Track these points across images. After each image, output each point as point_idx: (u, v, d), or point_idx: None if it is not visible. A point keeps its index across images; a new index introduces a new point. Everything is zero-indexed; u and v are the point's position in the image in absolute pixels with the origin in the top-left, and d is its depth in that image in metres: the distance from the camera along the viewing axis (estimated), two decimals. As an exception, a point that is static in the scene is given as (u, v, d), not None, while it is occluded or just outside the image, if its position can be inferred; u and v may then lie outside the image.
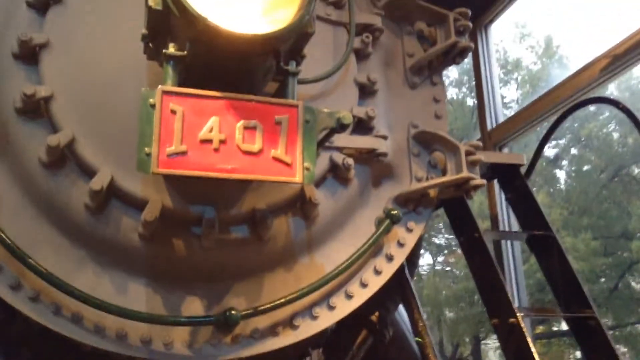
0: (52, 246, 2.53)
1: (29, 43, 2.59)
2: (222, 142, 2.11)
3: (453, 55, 3.24)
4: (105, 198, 2.52)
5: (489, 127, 7.02)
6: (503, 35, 22.14)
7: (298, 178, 2.15)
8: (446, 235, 23.01)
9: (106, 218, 2.54)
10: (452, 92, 22.85)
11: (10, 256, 2.43)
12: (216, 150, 2.10)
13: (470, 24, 3.24)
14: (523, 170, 3.68)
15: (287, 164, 2.14)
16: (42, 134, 2.54)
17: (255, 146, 2.13)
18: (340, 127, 2.28)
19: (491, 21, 7.61)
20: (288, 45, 2.24)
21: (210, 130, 2.11)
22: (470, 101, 22.19)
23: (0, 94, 2.60)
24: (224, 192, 2.60)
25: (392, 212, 2.89)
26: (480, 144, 3.07)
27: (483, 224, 3.68)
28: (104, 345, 2.48)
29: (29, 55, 2.63)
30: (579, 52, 23.75)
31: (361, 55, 3.11)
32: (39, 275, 2.41)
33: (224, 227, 2.59)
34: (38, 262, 2.43)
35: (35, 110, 2.56)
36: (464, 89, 23.30)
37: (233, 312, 2.52)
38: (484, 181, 3.10)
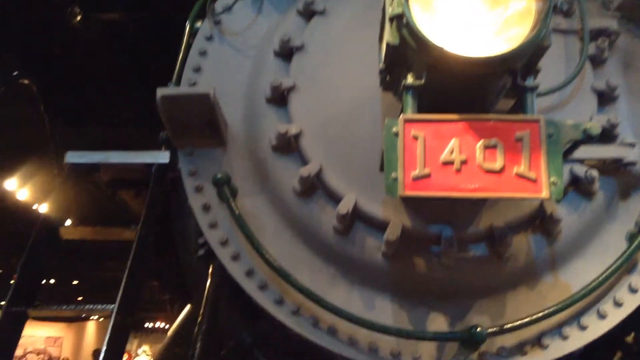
0: (308, 265, 2.81)
1: (279, 88, 2.96)
2: (463, 162, 2.15)
3: None
4: (350, 221, 2.74)
5: None
6: None
7: (545, 194, 2.10)
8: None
9: (352, 239, 2.76)
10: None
11: (274, 275, 2.76)
12: (458, 171, 2.15)
13: None
14: None
15: (531, 181, 2.11)
16: (294, 167, 2.86)
17: (497, 164, 2.13)
18: (588, 139, 2.19)
19: None
20: (524, 61, 2.23)
21: (451, 152, 2.17)
22: None
23: (259, 134, 3.00)
24: (460, 211, 2.65)
25: (647, 225, 2.68)
26: None
27: None
28: (358, 357, 2.67)
29: (279, 98, 2.99)
30: None
31: (597, 62, 2.95)
32: (300, 291, 2.70)
33: (462, 245, 2.64)
34: (298, 280, 2.72)
35: (287, 146, 2.90)
36: None
37: (479, 329, 2.54)
38: None
